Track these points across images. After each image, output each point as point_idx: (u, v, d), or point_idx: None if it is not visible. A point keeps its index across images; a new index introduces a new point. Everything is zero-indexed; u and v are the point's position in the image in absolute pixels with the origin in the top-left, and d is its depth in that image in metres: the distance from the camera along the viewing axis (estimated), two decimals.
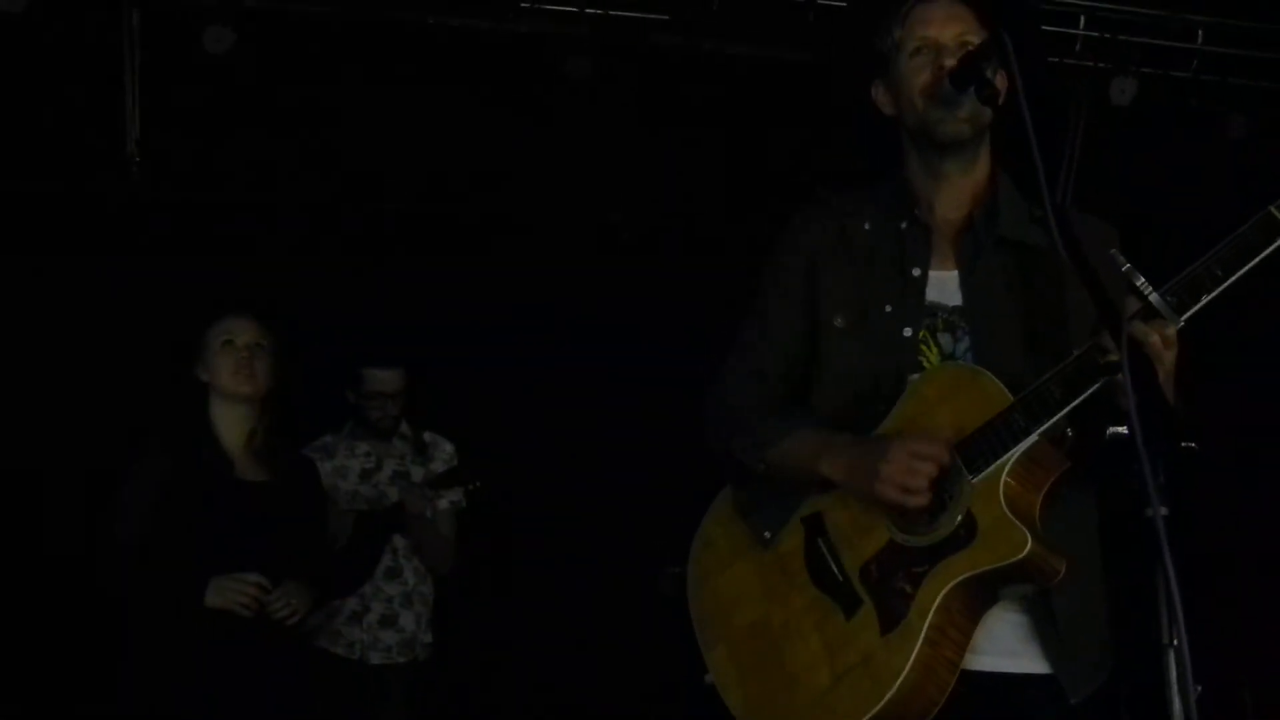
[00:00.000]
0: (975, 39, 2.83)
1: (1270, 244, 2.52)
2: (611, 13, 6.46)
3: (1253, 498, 6.84)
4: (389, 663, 5.90)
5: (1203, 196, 6.42)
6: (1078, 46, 6.69)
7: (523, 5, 6.44)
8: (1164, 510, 2.03)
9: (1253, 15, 6.64)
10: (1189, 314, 2.52)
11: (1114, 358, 2.44)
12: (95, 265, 6.58)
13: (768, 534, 2.91)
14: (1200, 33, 6.70)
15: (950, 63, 2.81)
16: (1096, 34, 6.64)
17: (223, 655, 4.33)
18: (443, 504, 5.99)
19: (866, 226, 2.98)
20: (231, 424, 4.65)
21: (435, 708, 6.10)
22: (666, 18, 6.53)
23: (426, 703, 6.03)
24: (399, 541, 5.95)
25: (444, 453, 6.18)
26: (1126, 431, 2.06)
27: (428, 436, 6.20)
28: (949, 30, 2.88)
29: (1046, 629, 2.75)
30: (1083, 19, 6.63)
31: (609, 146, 6.79)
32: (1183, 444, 2.16)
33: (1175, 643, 1.98)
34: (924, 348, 2.85)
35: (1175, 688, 1.99)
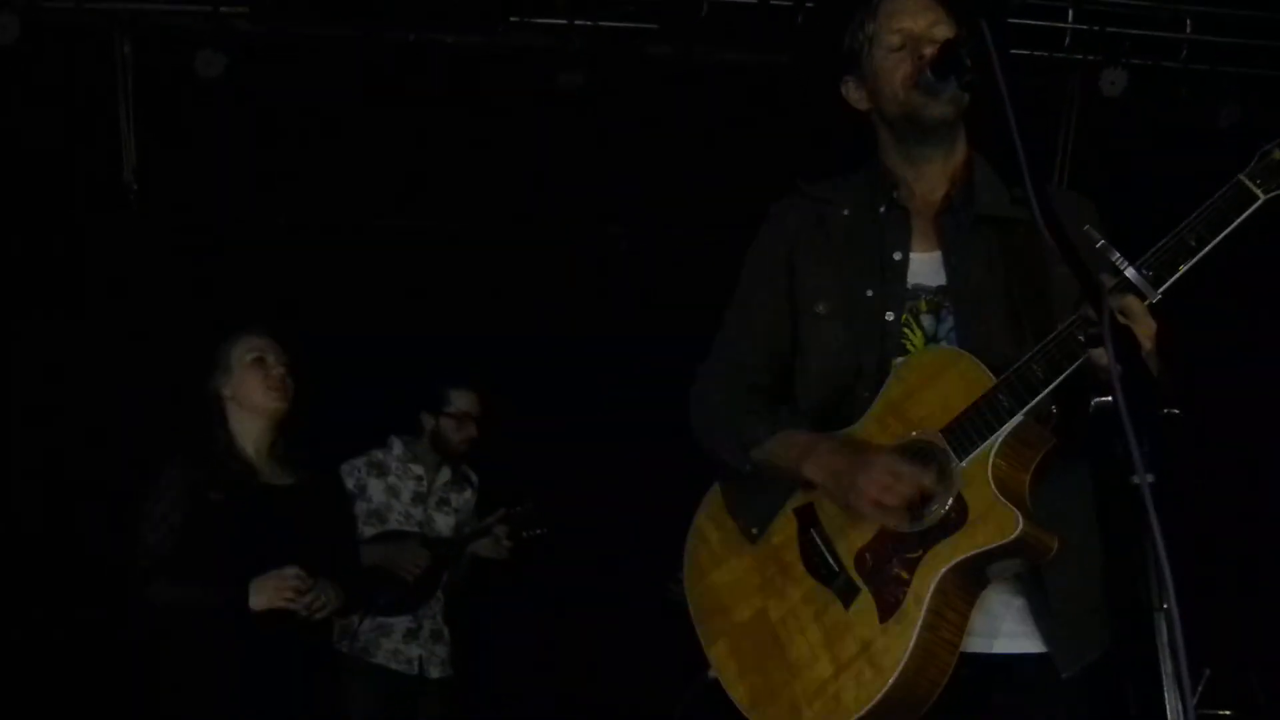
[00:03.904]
0: (946, 28, 2.84)
1: (1242, 213, 2.54)
2: (602, 24, 6.49)
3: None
4: (445, 676, 6.05)
5: (1195, 186, 6.39)
6: (1067, 40, 6.70)
7: (513, 20, 6.46)
8: (1150, 477, 2.03)
9: (1241, 3, 6.64)
10: (1166, 286, 2.54)
11: (1095, 331, 2.44)
12: (99, 290, 6.64)
13: (755, 530, 2.90)
14: (1189, 22, 6.71)
15: (929, 51, 2.82)
16: (1085, 27, 6.65)
17: (261, 660, 4.44)
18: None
19: (845, 213, 2.98)
20: (254, 435, 4.73)
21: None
22: (656, 27, 6.55)
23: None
24: None
25: (473, 483, 6.25)
26: (1110, 400, 2.06)
27: (462, 467, 6.29)
28: (922, 21, 2.89)
29: (1042, 608, 2.75)
30: (1070, 12, 6.65)
31: (605, 158, 6.81)
32: (1165, 410, 2.17)
33: (1165, 606, 1.99)
34: (907, 331, 2.85)
35: (1166, 650, 1.99)
